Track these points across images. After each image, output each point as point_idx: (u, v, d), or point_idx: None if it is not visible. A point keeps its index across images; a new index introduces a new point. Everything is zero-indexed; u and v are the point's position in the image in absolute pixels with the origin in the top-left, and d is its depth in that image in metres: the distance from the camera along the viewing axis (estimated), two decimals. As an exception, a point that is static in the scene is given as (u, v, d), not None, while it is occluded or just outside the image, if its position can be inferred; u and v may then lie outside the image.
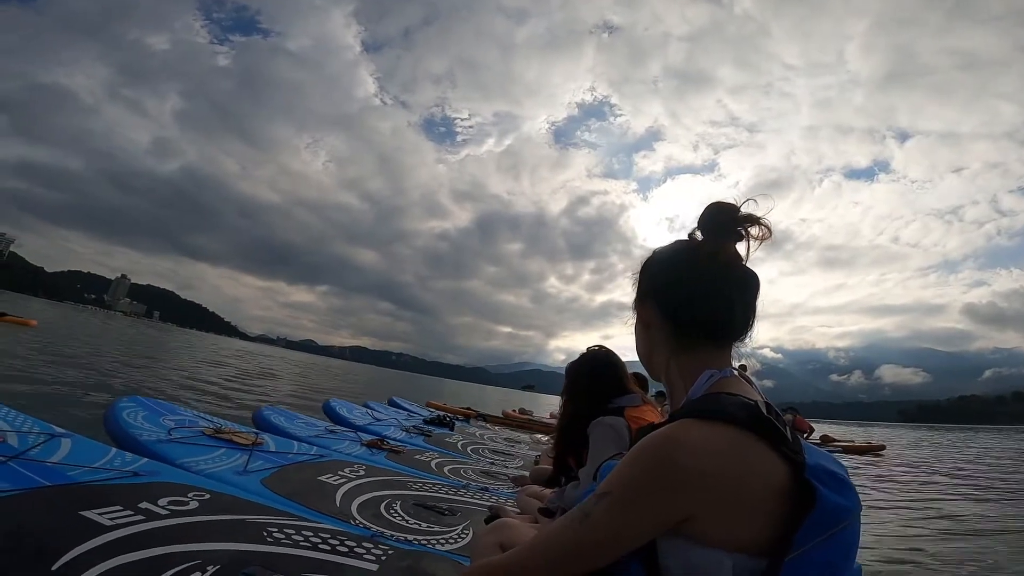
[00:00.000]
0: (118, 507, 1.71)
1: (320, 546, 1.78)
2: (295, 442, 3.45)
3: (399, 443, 4.53)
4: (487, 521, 2.06)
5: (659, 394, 5.39)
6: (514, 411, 12.75)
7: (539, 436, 8.95)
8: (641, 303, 0.86)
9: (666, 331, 0.80)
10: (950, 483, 8.10)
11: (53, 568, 1.29)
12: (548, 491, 2.31)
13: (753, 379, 0.77)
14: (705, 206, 0.79)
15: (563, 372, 2.36)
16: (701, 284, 0.76)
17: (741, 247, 0.77)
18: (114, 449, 2.34)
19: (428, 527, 2.35)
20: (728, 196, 0.78)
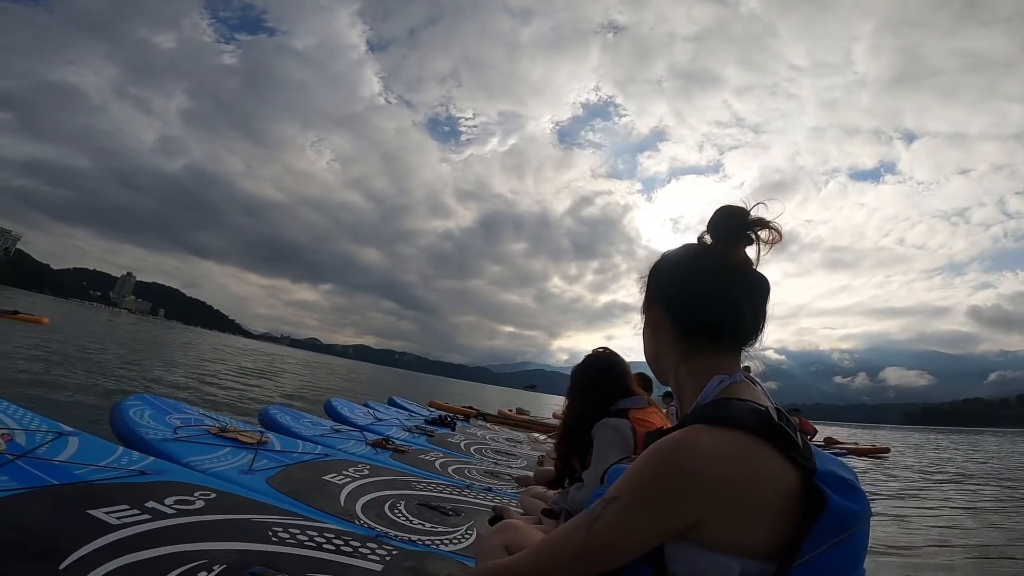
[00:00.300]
0: (125, 506, 1.72)
1: (324, 546, 1.79)
2: (300, 441, 3.47)
3: (403, 443, 4.54)
4: (491, 522, 2.06)
5: (666, 395, 5.38)
6: (510, 410, 12.68)
7: (535, 435, 8.93)
8: (650, 307, 0.85)
9: (675, 335, 0.80)
10: (955, 487, 8.05)
11: (61, 567, 1.29)
12: (552, 492, 2.30)
13: (761, 383, 0.76)
14: (715, 209, 0.78)
15: (566, 372, 2.36)
16: (711, 288, 0.76)
17: (751, 251, 0.76)
18: (121, 448, 2.35)
19: (432, 527, 2.35)
20: (733, 197, 0.78)
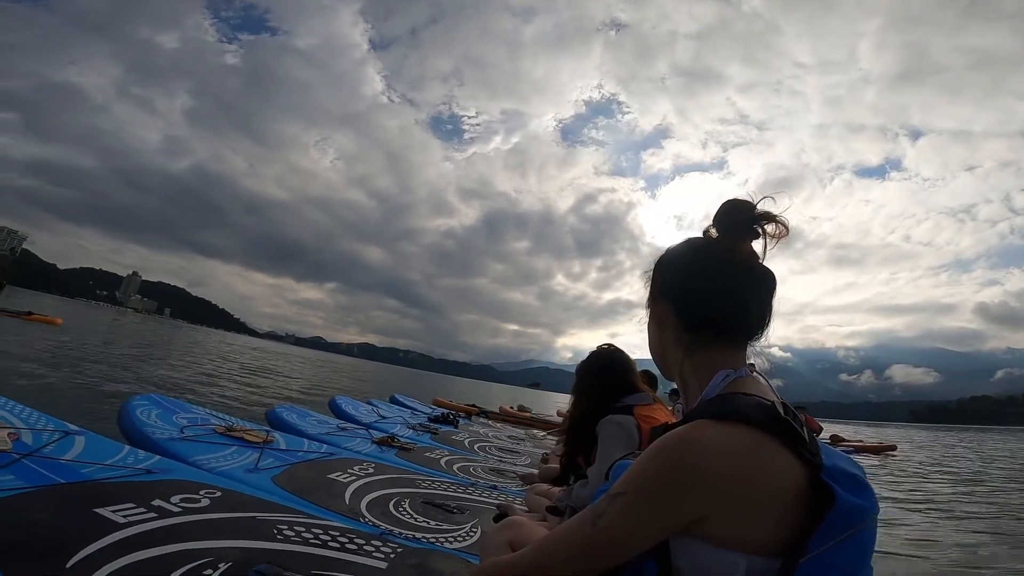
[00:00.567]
0: (131, 504, 1.73)
1: (329, 544, 1.79)
2: (305, 440, 3.48)
3: (408, 441, 4.55)
4: (496, 519, 2.06)
5: (673, 392, 5.36)
6: (511, 407, 12.67)
7: (535, 432, 8.93)
8: (655, 301, 0.84)
9: (680, 330, 0.79)
10: (962, 484, 8.01)
11: (67, 565, 1.30)
12: (557, 489, 2.30)
13: (767, 378, 0.76)
14: (721, 203, 0.78)
15: (570, 370, 2.36)
16: (716, 282, 0.75)
17: (757, 245, 0.76)
18: (127, 447, 2.36)
19: (437, 525, 2.35)
20: (737, 194, 0.77)
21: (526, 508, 2.36)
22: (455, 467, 3.95)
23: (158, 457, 2.32)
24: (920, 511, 5.38)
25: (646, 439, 1.66)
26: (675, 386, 0.83)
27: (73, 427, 2.37)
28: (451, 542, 2.17)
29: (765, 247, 0.75)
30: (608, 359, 2.18)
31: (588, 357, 2.24)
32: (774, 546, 0.58)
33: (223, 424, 3.17)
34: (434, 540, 2.15)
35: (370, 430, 4.59)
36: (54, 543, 1.38)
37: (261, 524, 1.84)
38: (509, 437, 7.09)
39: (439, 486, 3.09)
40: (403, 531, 2.17)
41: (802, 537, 0.57)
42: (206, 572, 1.41)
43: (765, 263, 0.77)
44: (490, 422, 9.62)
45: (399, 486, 2.88)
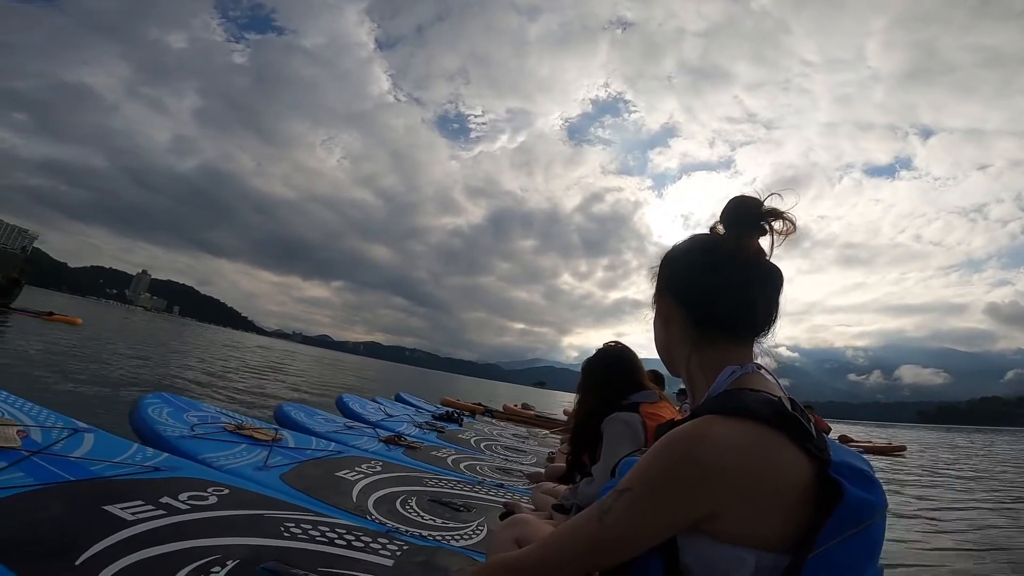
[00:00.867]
0: (140, 501, 1.74)
1: (336, 541, 1.80)
2: (313, 438, 3.50)
3: (415, 439, 4.56)
4: (502, 517, 2.06)
5: (681, 392, 5.33)
6: (515, 405, 12.68)
7: (536, 430, 8.93)
8: (661, 297, 0.84)
9: (686, 326, 0.79)
10: (973, 486, 7.92)
11: (76, 562, 1.31)
12: (563, 488, 2.30)
13: (773, 375, 0.75)
14: (728, 200, 0.78)
15: (576, 369, 2.36)
16: (723, 279, 0.75)
17: (764, 242, 0.75)
18: (136, 444, 2.38)
19: (443, 523, 2.35)
20: (747, 193, 0.77)
21: (533, 506, 2.36)
22: (462, 465, 3.95)
23: (166, 455, 2.34)
24: (928, 511, 5.33)
25: (651, 437, 1.65)
26: (683, 386, 0.83)
27: (82, 424, 2.39)
28: (458, 540, 2.17)
29: (772, 244, 0.75)
30: (615, 357, 2.17)
31: (595, 354, 2.24)
32: (782, 542, 0.58)
33: (233, 422, 3.19)
34: (441, 538, 2.15)
35: (377, 428, 4.60)
36: (63, 540, 1.39)
37: (268, 522, 1.84)
38: (514, 436, 7.10)
39: (446, 484, 3.09)
40: (410, 529, 2.17)
41: (810, 533, 0.57)
42: (213, 569, 1.42)
43: (773, 261, 0.76)
44: (495, 421, 9.63)
45: (406, 484, 2.88)
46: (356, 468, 2.96)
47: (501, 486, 3.42)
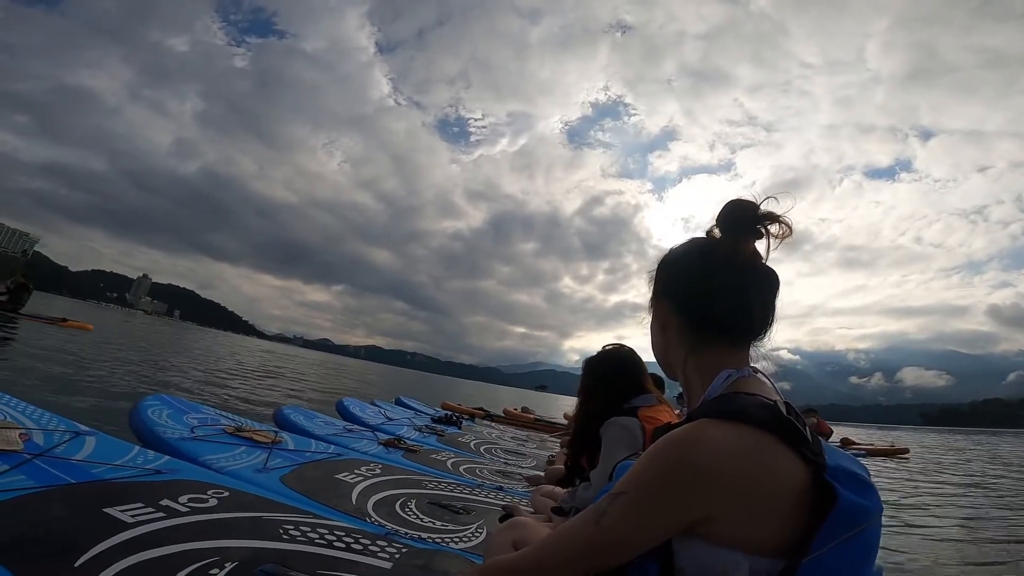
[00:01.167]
0: (140, 504, 1.74)
1: (335, 543, 1.80)
2: (313, 441, 3.50)
3: (415, 442, 4.56)
4: (501, 520, 2.06)
5: (681, 395, 5.33)
6: (516, 409, 12.67)
7: (535, 434, 8.92)
8: (657, 301, 0.84)
9: (683, 330, 0.79)
10: (977, 489, 7.90)
11: (76, 564, 1.31)
12: (562, 491, 2.30)
13: (770, 378, 0.75)
14: (724, 203, 0.78)
15: (577, 373, 2.33)
16: (719, 282, 0.75)
17: (761, 245, 0.76)
18: (137, 447, 2.38)
19: (443, 525, 2.35)
20: (745, 196, 0.78)
21: (532, 509, 2.36)
22: (461, 468, 3.95)
23: (167, 457, 2.34)
24: (932, 514, 5.31)
25: (649, 441, 1.65)
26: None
27: (84, 428, 2.40)
28: (457, 543, 2.17)
29: (768, 247, 0.76)
30: (613, 359, 2.14)
31: (597, 356, 2.19)
32: (777, 546, 0.58)
33: (232, 424, 3.19)
34: (440, 540, 2.15)
35: (376, 432, 4.60)
36: (63, 542, 1.40)
37: (267, 524, 1.85)
38: (514, 439, 7.09)
39: (445, 487, 3.09)
40: (409, 531, 2.17)
41: (805, 537, 0.57)
42: (212, 571, 1.42)
43: (771, 264, 0.77)
44: (494, 424, 9.62)
45: (406, 487, 2.88)
46: (356, 471, 2.96)
47: (500, 489, 3.42)
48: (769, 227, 0.74)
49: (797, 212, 0.75)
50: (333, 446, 3.52)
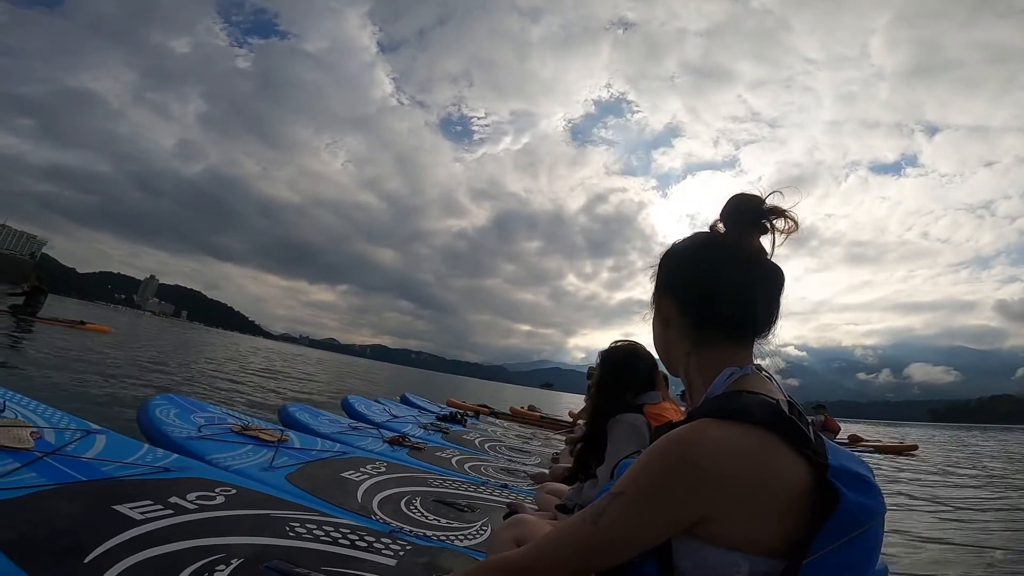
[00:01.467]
0: (148, 501, 1.76)
1: (340, 541, 1.81)
2: (319, 439, 3.52)
3: (419, 440, 4.57)
4: (506, 518, 2.06)
5: (684, 394, 5.31)
6: (522, 407, 12.71)
7: (540, 431, 8.93)
8: (660, 297, 0.83)
9: (685, 326, 0.78)
10: (987, 486, 7.83)
11: (86, 560, 1.33)
12: (567, 488, 2.30)
13: (776, 377, 0.74)
14: (729, 198, 0.76)
15: (582, 370, 2.33)
16: (723, 278, 0.74)
17: (766, 241, 0.74)
18: (146, 445, 2.41)
19: (447, 523, 2.36)
20: (750, 191, 0.76)
21: (537, 507, 2.36)
22: (466, 466, 3.96)
23: (176, 455, 2.36)
24: (942, 512, 5.27)
25: (651, 438, 1.64)
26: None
27: (94, 426, 2.42)
28: (461, 540, 2.18)
29: (774, 243, 0.74)
30: (636, 356, 2.10)
31: (615, 352, 2.14)
32: (778, 547, 0.58)
33: (239, 423, 3.22)
34: (444, 538, 2.16)
35: (381, 429, 4.62)
36: (73, 539, 1.42)
37: (274, 521, 1.86)
38: (518, 436, 7.10)
39: (450, 485, 3.10)
40: (414, 529, 2.18)
41: (806, 538, 0.56)
42: (219, 568, 1.44)
43: (777, 260, 0.75)
44: (498, 421, 9.64)
45: (410, 485, 2.89)
46: (361, 469, 2.98)
47: (505, 487, 3.43)
48: (775, 222, 0.73)
49: (802, 208, 0.73)
50: (338, 444, 3.54)
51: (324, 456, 3.10)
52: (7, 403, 2.37)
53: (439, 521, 2.37)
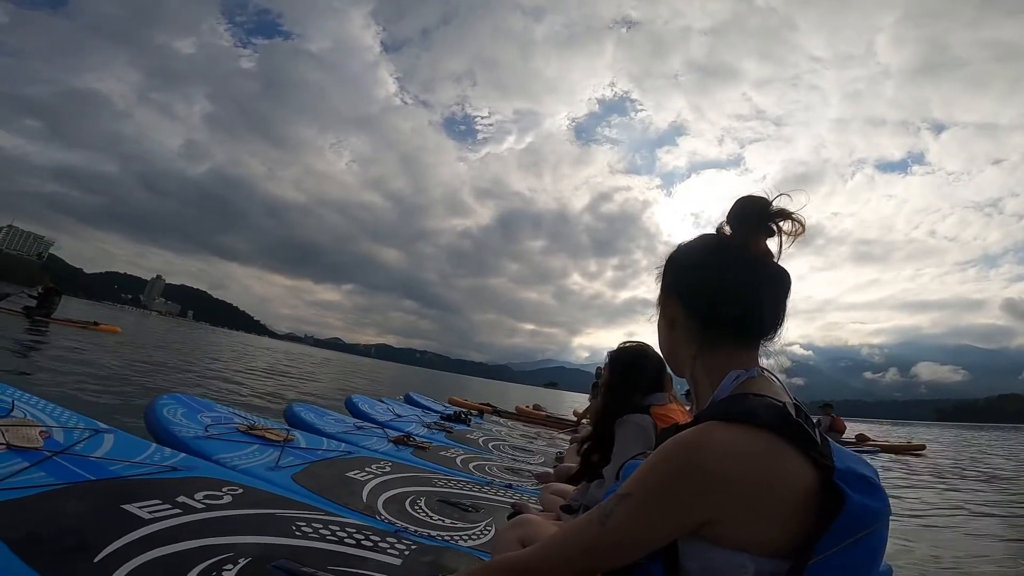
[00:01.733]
0: (157, 501, 1.78)
1: (346, 540, 1.82)
2: (324, 439, 3.53)
3: (424, 440, 4.58)
4: (510, 518, 2.07)
5: (689, 393, 5.30)
6: (527, 407, 12.73)
7: (549, 430, 8.94)
8: (666, 299, 0.83)
9: (691, 328, 0.78)
10: (994, 486, 7.77)
11: (95, 560, 1.34)
12: (572, 488, 2.30)
13: (782, 378, 0.74)
14: (735, 199, 0.76)
15: (587, 370, 2.33)
16: (729, 280, 0.74)
17: (772, 243, 0.74)
18: (154, 444, 2.43)
19: (452, 523, 2.37)
20: (755, 190, 0.75)
21: (541, 507, 2.37)
22: (471, 466, 3.97)
23: (184, 455, 2.38)
24: (948, 513, 5.24)
25: (658, 440, 1.63)
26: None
27: (103, 425, 2.44)
28: (466, 540, 2.19)
29: (780, 245, 0.74)
30: (645, 356, 2.09)
31: (624, 353, 2.12)
32: (783, 548, 0.58)
33: (245, 423, 3.23)
34: (449, 538, 2.16)
35: (386, 429, 4.64)
36: (82, 539, 1.43)
37: (280, 520, 1.87)
38: (523, 436, 7.10)
39: (455, 485, 3.11)
40: (418, 528, 2.19)
41: (812, 539, 0.57)
42: (226, 567, 1.45)
43: (784, 261, 0.75)
44: (501, 420, 9.65)
45: (415, 484, 2.90)
46: (366, 468, 2.99)
47: (510, 486, 3.43)
48: (781, 224, 0.72)
49: (808, 206, 0.73)
50: (344, 444, 3.55)
51: (329, 456, 3.12)
52: (16, 403, 2.39)
53: (444, 521, 2.38)
